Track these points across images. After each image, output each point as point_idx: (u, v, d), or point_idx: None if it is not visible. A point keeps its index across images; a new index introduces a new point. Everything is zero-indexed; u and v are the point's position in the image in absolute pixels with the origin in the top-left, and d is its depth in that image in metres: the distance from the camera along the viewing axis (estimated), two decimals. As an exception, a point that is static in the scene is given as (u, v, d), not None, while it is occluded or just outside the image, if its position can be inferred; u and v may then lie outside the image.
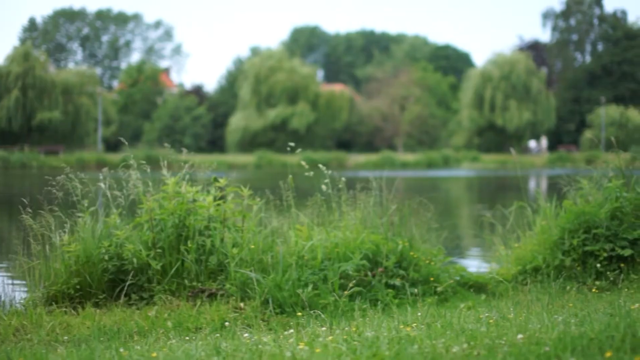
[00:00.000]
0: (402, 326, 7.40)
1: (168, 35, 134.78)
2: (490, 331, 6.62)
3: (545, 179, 42.11)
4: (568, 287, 10.54)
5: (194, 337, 7.94)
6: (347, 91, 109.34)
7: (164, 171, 10.57)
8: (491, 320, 7.41)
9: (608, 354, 5.15)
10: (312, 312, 8.87)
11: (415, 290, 10.08)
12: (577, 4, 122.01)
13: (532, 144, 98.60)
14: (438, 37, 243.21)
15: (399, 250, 10.43)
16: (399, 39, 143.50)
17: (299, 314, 8.89)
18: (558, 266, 11.03)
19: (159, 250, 9.98)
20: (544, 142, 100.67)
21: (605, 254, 10.93)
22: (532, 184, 45.53)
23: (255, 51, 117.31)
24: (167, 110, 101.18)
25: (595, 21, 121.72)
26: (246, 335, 7.58)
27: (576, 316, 7.35)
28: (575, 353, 5.33)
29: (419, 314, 8.46)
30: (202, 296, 9.59)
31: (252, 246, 9.99)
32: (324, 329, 7.66)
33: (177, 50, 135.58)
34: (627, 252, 10.88)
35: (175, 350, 6.88)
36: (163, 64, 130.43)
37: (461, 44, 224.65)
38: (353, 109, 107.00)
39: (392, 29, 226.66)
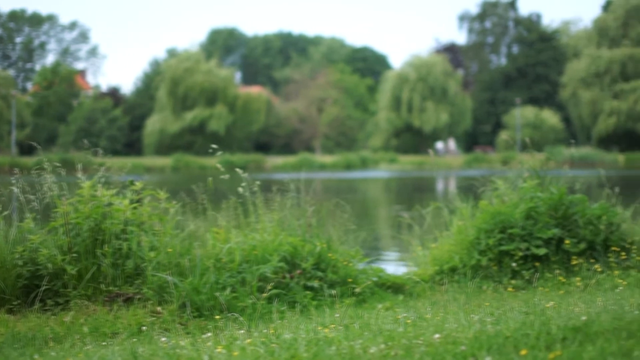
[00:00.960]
0: (320, 328, 7.40)
1: (84, 36, 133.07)
2: (407, 331, 6.65)
3: (461, 179, 42.46)
4: (484, 287, 10.65)
5: (110, 342, 7.86)
6: (265, 93, 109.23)
7: (80, 174, 10.43)
8: (409, 321, 7.45)
9: (523, 352, 5.20)
10: (230, 315, 8.83)
11: (333, 291, 10.08)
12: (493, 6, 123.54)
13: (439, 145, 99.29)
14: (355, 39, 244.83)
15: (317, 252, 10.42)
16: (316, 40, 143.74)
17: (217, 317, 8.84)
18: (474, 266, 11.12)
19: (74, 255, 9.84)
20: (452, 143, 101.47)
21: (520, 254, 11.05)
22: (448, 185, 45.92)
23: (172, 53, 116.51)
24: (82, 112, 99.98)
25: (511, 24, 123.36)
26: (163, 339, 7.51)
27: (492, 315, 7.42)
28: (491, 352, 5.38)
29: (337, 315, 8.47)
30: (119, 301, 9.47)
31: (170, 250, 9.91)
32: (242, 331, 7.63)
33: (93, 52, 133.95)
34: (542, 251, 11.03)
35: (91, 356, 6.81)
36: (79, 65, 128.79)
37: (379, 46, 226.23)
38: (271, 111, 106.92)
39: (310, 30, 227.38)
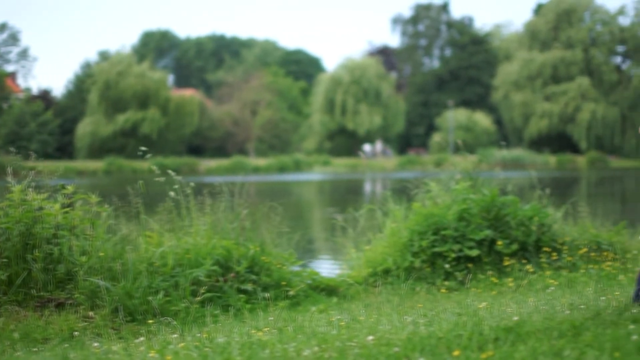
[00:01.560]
0: (253, 331, 7.38)
1: (14, 38, 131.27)
2: (341, 333, 6.65)
3: (395, 182, 42.66)
4: (418, 288, 10.70)
5: (41, 348, 7.76)
6: (198, 96, 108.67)
7: (10, 178, 10.29)
8: (342, 323, 7.45)
9: (456, 353, 5.23)
10: (163, 319, 8.77)
11: (267, 294, 10.06)
12: (426, 10, 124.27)
13: (366, 147, 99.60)
14: (289, 41, 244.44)
15: (251, 255, 10.39)
16: (249, 43, 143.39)
17: (150, 321, 8.77)
18: (408, 267, 11.17)
19: (4, 260, 9.69)
20: (379, 145, 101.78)
21: (453, 255, 11.13)
22: (381, 187, 46.09)
23: (104, 55, 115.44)
24: (12, 116, 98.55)
25: (443, 27, 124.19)
26: (96, 344, 7.43)
27: (425, 316, 7.45)
28: (424, 353, 5.40)
29: (271, 318, 8.45)
30: (50, 306, 9.35)
31: (101, 254, 9.81)
32: (175, 336, 7.59)
33: (23, 54, 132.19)
34: (474, 253, 11.11)
35: (21, 362, 6.72)
36: (9, 68, 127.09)
37: (312, 48, 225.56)
38: (204, 114, 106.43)
39: (243, 33, 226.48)
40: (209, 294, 9.65)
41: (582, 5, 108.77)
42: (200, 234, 10.69)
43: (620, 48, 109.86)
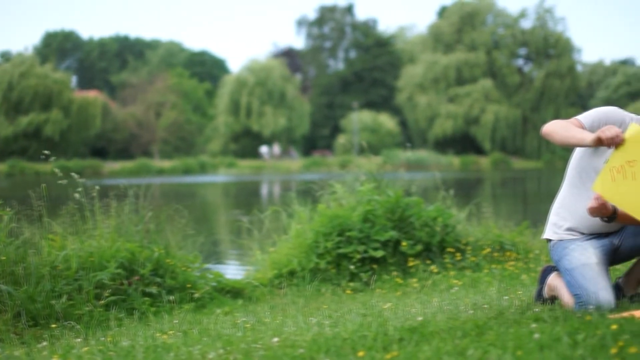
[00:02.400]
0: (158, 334, 7.34)
1: None
2: (246, 336, 6.65)
3: (300, 183, 42.76)
4: (323, 289, 10.72)
5: (-59, 355, 7.61)
6: (102, 97, 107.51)
7: None
8: (247, 325, 7.44)
9: (361, 354, 5.25)
10: (66, 323, 8.66)
11: (172, 297, 10.00)
12: (330, 12, 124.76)
13: (263, 149, 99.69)
14: (194, 43, 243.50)
15: (155, 257, 10.31)
16: (153, 44, 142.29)
17: (53, 325, 8.64)
18: (313, 269, 11.18)
19: None
20: (277, 147, 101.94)
21: (358, 256, 11.17)
22: (287, 189, 46.13)
23: (5, 57, 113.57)
24: None
25: (348, 29, 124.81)
26: (-3, 349, 7.33)
27: (330, 317, 7.48)
28: (329, 354, 5.42)
29: (176, 321, 8.40)
30: (-50, 311, 9.18)
31: (3, 258, 9.65)
32: (79, 340, 7.50)
33: None
34: (379, 254, 11.18)
35: None
36: None
37: (217, 50, 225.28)
38: (108, 116, 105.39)
39: (147, 34, 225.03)
40: (113, 297, 9.54)
41: (484, 8, 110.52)
42: (104, 237, 10.58)
43: (522, 50, 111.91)
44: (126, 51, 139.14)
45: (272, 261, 11.70)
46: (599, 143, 6.18)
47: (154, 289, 10.03)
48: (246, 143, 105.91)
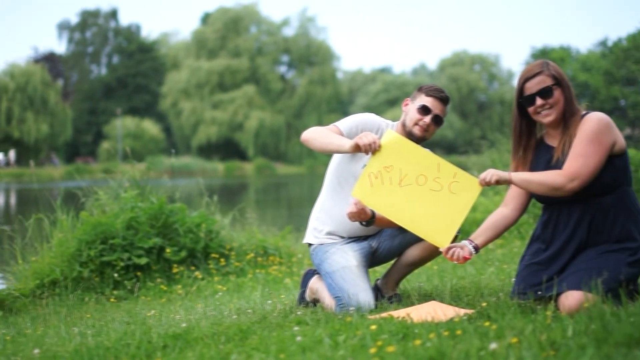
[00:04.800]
0: None
1: None
2: (6, 348, 6.50)
3: (63, 190, 41.91)
4: (87, 299, 10.57)
5: None
6: None
7: None
8: (8, 337, 7.27)
9: (124, 362, 5.24)
10: None
11: None
12: (93, 16, 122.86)
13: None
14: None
15: None
16: None
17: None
18: (76, 278, 11.00)
19: None
20: (12, 154, 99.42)
21: (122, 264, 11.07)
22: (50, 196, 45.12)
23: None
24: None
25: (111, 34, 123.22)
26: None
27: (94, 327, 7.40)
28: (92, 363, 5.37)
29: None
30: None
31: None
32: None
33: None
34: (143, 261, 11.12)
35: None
36: None
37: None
38: None
39: None
40: None
41: (248, 15, 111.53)
42: None
43: (285, 57, 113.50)
44: None
45: (34, 271, 11.42)
46: (357, 149, 6.36)
47: None
48: (7, 150, 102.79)
